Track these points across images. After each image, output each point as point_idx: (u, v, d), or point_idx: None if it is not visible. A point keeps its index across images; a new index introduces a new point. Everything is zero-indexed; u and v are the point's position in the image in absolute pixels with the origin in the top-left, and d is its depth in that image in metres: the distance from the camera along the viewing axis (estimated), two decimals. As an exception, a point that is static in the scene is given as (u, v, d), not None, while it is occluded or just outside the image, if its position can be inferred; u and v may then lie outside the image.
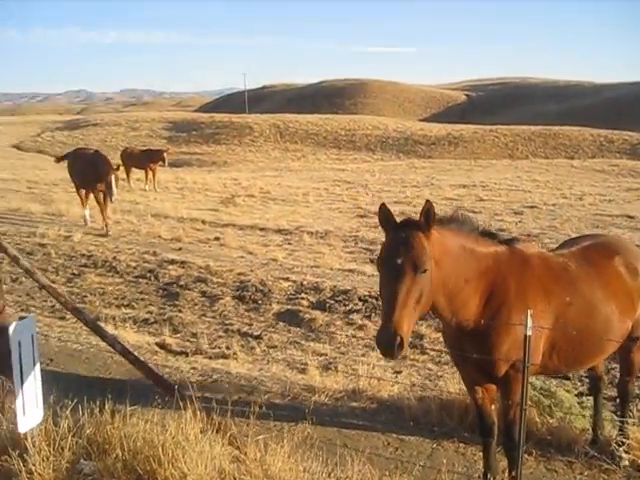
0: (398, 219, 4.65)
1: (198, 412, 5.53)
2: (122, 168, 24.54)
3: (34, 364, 5.27)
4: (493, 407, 5.50)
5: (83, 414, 5.66)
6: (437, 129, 71.77)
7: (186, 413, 5.44)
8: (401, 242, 4.43)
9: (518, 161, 51.21)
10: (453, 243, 4.77)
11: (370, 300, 11.35)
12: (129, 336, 9.32)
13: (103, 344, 8.84)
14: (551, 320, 5.14)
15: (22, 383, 5.12)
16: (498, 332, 4.91)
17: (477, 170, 41.92)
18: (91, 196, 18.83)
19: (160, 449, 5.08)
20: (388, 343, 4.21)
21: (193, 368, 8.36)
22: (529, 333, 4.38)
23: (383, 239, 14.16)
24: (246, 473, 4.98)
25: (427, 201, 4.52)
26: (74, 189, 19.85)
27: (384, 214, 4.65)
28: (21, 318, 5.32)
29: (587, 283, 5.41)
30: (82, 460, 5.32)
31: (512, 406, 5.05)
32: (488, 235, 5.12)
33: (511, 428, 5.13)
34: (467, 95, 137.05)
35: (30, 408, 5.21)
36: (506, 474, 5.52)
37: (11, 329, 5.05)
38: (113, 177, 17.67)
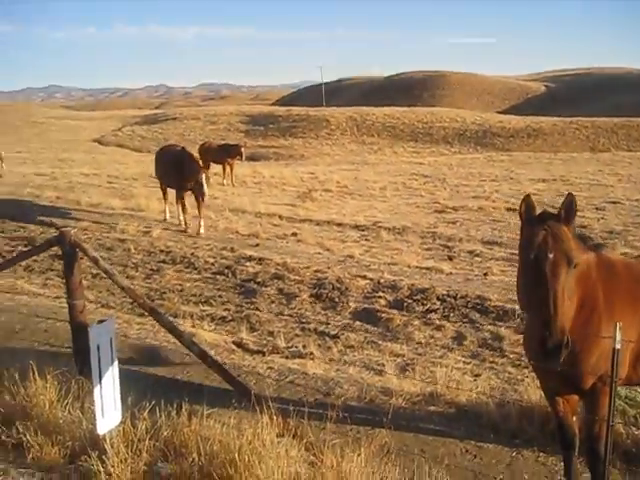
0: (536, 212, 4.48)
1: (275, 417, 5.49)
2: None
3: (112, 366, 5.31)
4: (574, 419, 5.30)
5: (160, 416, 5.69)
6: (516, 121, 70.59)
7: (262, 418, 5.40)
8: (548, 235, 4.25)
9: (600, 154, 49.92)
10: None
11: (448, 299, 11.16)
12: (206, 334, 9.37)
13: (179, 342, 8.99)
14: (638, 330, 4.92)
15: (101, 385, 5.16)
16: (587, 344, 4.70)
17: (557, 163, 40.99)
18: (171, 192, 18.64)
19: (236, 454, 5.04)
20: (555, 347, 4.03)
21: (270, 368, 8.33)
22: (618, 347, 4.18)
23: (464, 234, 13.79)
24: (322, 481, 4.91)
25: (569, 194, 4.37)
26: (158, 185, 20.02)
27: (528, 206, 4.47)
28: (100, 321, 5.36)
29: None
30: (159, 463, 5.34)
31: (597, 420, 4.82)
32: (581, 239, 4.90)
33: (595, 442, 4.88)
34: (546, 86, 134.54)
35: (108, 410, 5.25)
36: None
37: (90, 332, 5.09)
38: (204, 176, 17.32)
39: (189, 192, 17.79)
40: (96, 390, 5.13)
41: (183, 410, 5.70)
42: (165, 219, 18.92)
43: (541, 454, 6.30)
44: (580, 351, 4.68)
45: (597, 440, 4.86)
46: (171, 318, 9.69)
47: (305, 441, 5.55)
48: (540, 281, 4.16)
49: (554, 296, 4.06)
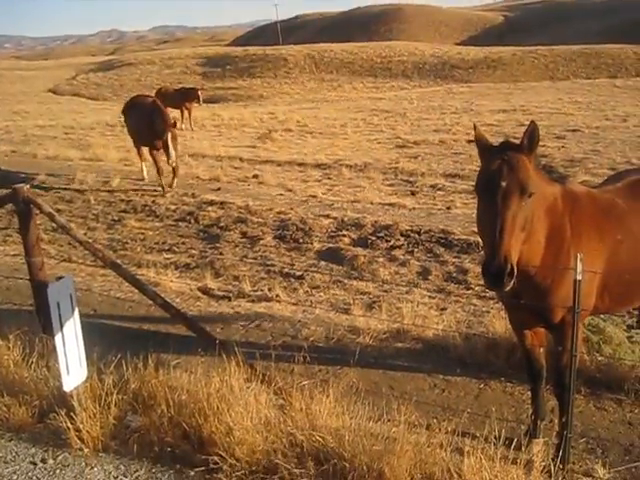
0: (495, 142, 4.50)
1: (242, 363, 5.48)
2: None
3: (74, 323, 5.24)
4: (542, 350, 5.35)
5: (127, 369, 5.65)
6: (474, 52, 70.18)
7: (230, 365, 5.38)
8: (505, 164, 4.21)
9: (559, 82, 49.92)
10: (538, 175, 4.52)
11: (412, 235, 11.17)
12: (171, 283, 9.32)
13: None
14: (604, 260, 4.94)
15: (64, 343, 5.10)
16: (557, 277, 4.70)
17: (517, 93, 40.97)
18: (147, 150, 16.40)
19: (205, 403, 5.04)
20: (498, 272, 3.97)
21: (236, 313, 8.34)
22: (579, 278, 4.19)
23: (426, 168, 13.81)
24: (292, 424, 4.92)
25: (532, 122, 4.32)
26: (114, 133, 19.42)
27: (480, 136, 4.49)
28: (58, 278, 5.28)
29: (636, 219, 5.17)
30: (128, 416, 5.33)
31: (565, 352, 4.86)
32: (546, 171, 4.87)
33: (563, 373, 4.91)
34: (504, 16, 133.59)
35: (74, 367, 5.20)
36: (554, 414, 5.43)
37: (49, 290, 5.01)
38: (170, 135, 14.83)
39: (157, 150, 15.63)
40: (59, 348, 5.07)
41: (150, 362, 5.66)
42: (144, 178, 16.90)
43: (508, 385, 6.41)
44: (550, 284, 4.71)
45: (565, 371, 4.90)
46: (134, 268, 9.67)
47: (274, 385, 5.55)
48: (491, 209, 4.14)
49: (502, 223, 4.03)
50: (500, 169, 4.21)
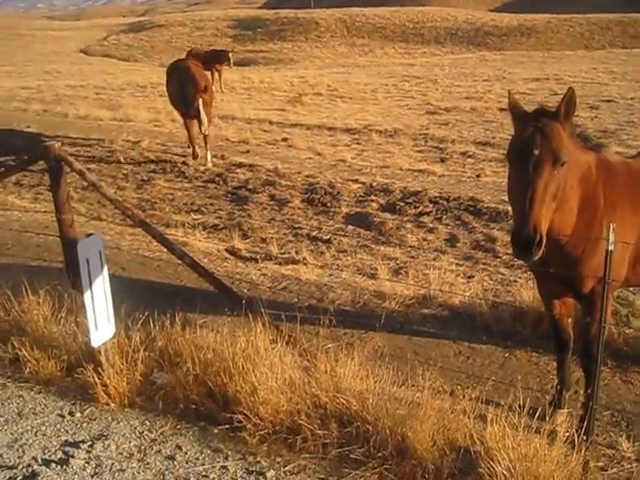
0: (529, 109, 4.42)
1: (268, 324, 5.50)
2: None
3: (103, 280, 5.28)
4: (570, 321, 5.31)
5: (154, 326, 5.70)
6: (509, 19, 69.24)
7: (256, 325, 5.41)
8: (538, 132, 4.14)
9: (594, 52, 49.09)
10: (573, 143, 4.46)
11: (441, 202, 11.11)
12: (199, 243, 9.35)
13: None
14: (637, 231, 4.86)
15: (92, 299, 5.14)
16: (588, 246, 4.63)
17: (551, 62, 40.37)
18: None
19: (230, 362, 5.08)
20: (527, 240, 3.93)
21: (263, 275, 8.36)
22: (611, 248, 4.13)
23: (457, 135, 13.70)
24: (317, 386, 4.95)
25: (570, 89, 4.26)
26: (145, 94, 19.27)
27: (514, 103, 4.42)
28: (88, 235, 5.31)
29: None
30: (155, 372, 5.38)
31: (594, 323, 4.79)
32: (582, 139, 4.79)
33: (591, 344, 4.84)
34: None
35: (102, 323, 5.25)
36: (579, 385, 5.40)
37: (79, 247, 5.05)
38: (201, 102, 13.68)
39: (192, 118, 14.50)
40: (88, 304, 5.11)
41: (177, 320, 5.71)
42: (195, 157, 14.78)
43: (533, 354, 6.37)
44: (581, 254, 4.65)
45: (592, 342, 4.83)
46: (163, 228, 9.70)
47: (299, 347, 5.57)
48: (522, 177, 4.08)
49: (533, 192, 3.97)
50: (533, 137, 4.14)
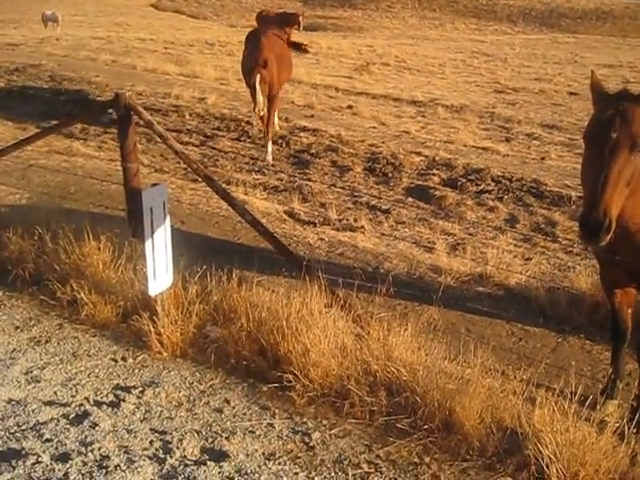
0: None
1: (324, 287, 5.50)
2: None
3: (165, 230, 5.33)
4: (629, 311, 5.20)
5: (211, 281, 5.75)
6: (585, 2, 67.74)
7: (312, 288, 5.41)
8: (618, 115, 4.01)
9: (674, 40, 47.80)
10: None
11: (503, 181, 10.93)
12: (259, 202, 9.38)
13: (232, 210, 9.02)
14: None
15: (153, 248, 5.20)
16: None
17: (625, 49, 39.42)
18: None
19: (284, 322, 5.10)
20: (595, 225, 3.84)
21: (320, 239, 8.37)
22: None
23: (523, 116, 13.45)
24: (368, 353, 4.95)
25: None
26: (213, 52, 18.95)
27: (596, 83, 4.32)
28: (154, 184, 5.36)
29: None
30: (208, 326, 5.44)
31: None
32: None
33: None
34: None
35: (160, 273, 5.31)
36: (632, 377, 5.32)
37: (143, 195, 5.09)
38: (258, 78, 11.66)
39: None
40: (148, 252, 5.17)
41: (233, 276, 5.74)
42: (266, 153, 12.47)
43: (587, 342, 6.28)
44: None
45: None
46: (224, 185, 9.74)
47: (353, 313, 5.57)
48: (597, 160, 3.97)
49: (606, 176, 3.85)
50: (612, 119, 4.01)
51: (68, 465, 3.92)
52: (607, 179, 3.86)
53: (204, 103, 16.05)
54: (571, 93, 20.99)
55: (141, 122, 6.68)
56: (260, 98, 11.67)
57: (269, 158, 12.10)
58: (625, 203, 4.10)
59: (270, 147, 12.29)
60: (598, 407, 4.82)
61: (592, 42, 44.34)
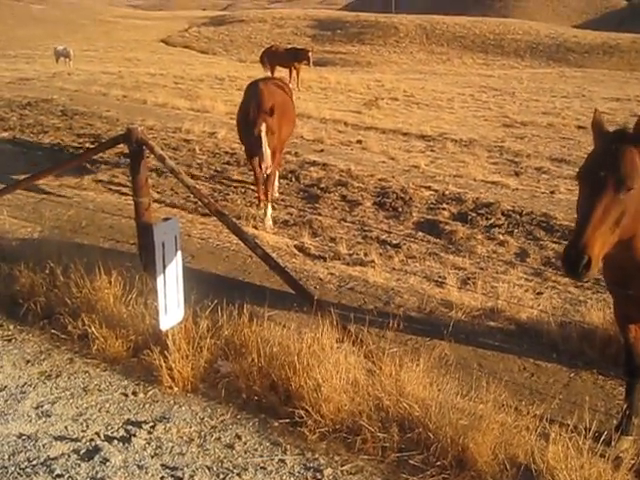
0: (611, 129, 4.32)
1: (336, 323, 5.49)
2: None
3: (177, 264, 5.34)
4: None
5: (222, 315, 5.74)
6: (592, 37, 68.13)
7: (323, 323, 5.40)
8: (609, 154, 4.06)
9: (679, 75, 47.95)
10: None
11: (513, 215, 10.96)
12: (269, 237, 9.40)
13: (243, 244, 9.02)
14: None
15: (165, 282, 5.20)
16: None
17: (633, 83, 39.60)
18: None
19: (296, 357, 5.08)
20: (573, 261, 3.88)
21: (330, 274, 8.35)
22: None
23: (532, 150, 13.53)
24: (380, 389, 4.91)
25: None
26: (223, 86, 19.20)
27: (598, 121, 4.33)
28: (165, 219, 5.38)
29: None
30: (219, 361, 5.42)
31: None
32: None
33: None
34: (628, 0, 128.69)
35: (171, 307, 5.30)
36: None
37: (155, 229, 5.10)
38: (264, 127, 9.74)
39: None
40: (159, 287, 5.17)
41: (244, 311, 5.73)
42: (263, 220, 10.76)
43: (600, 377, 6.21)
44: None
45: None
46: (234, 219, 9.77)
47: (365, 348, 5.54)
48: (585, 197, 4.04)
49: (590, 213, 3.89)
50: (603, 158, 4.07)
51: None
52: (590, 217, 3.90)
53: (214, 138, 16.17)
54: (579, 127, 21.08)
55: (150, 156, 6.72)
56: (267, 151, 9.71)
57: (269, 224, 10.47)
58: (636, 240, 4.17)
59: (270, 211, 10.65)
60: (613, 443, 4.75)
61: (599, 76, 44.58)
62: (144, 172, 6.62)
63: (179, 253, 5.36)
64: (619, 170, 3.98)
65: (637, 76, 45.28)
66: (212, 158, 14.40)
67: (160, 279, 5.17)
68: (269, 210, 10.64)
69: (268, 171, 10.06)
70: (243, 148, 11.68)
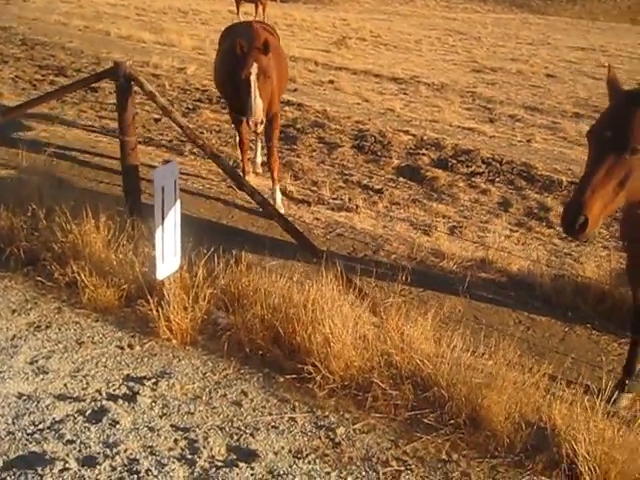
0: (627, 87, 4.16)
1: (340, 275, 5.29)
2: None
3: (175, 210, 5.06)
4: None
5: (218, 264, 5.50)
6: (556, -18, 67.66)
7: (327, 275, 5.19)
8: (619, 114, 3.92)
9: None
10: None
11: (493, 164, 10.78)
12: (252, 180, 9.06)
13: (223, 184, 8.75)
14: None
15: (163, 229, 4.92)
16: None
17: (595, 32, 39.50)
18: None
19: (301, 309, 4.88)
20: (570, 220, 3.80)
21: (316, 219, 8.14)
22: None
23: (504, 97, 13.27)
24: (390, 344, 4.75)
25: None
26: (188, 20, 18.81)
27: (612, 78, 4.18)
28: (165, 162, 5.09)
29: None
30: (218, 312, 5.20)
31: None
32: None
33: None
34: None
35: (169, 255, 5.04)
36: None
37: (155, 174, 4.80)
38: (254, 70, 7.29)
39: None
40: (158, 234, 4.88)
41: (242, 260, 5.51)
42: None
43: (594, 332, 6.16)
44: None
45: None
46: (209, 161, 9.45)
47: (370, 302, 5.36)
48: (590, 157, 3.96)
49: (591, 174, 3.82)
50: (612, 118, 3.97)
51: (97, 471, 3.66)
52: (591, 177, 3.82)
53: (184, 73, 15.67)
54: (548, 75, 20.92)
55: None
56: (258, 101, 7.30)
57: (279, 203, 8.30)
58: None
59: (279, 197, 8.41)
60: (612, 400, 4.72)
61: (563, 24, 44.37)
62: (131, 109, 6.31)
63: (178, 198, 5.08)
64: (625, 131, 3.84)
65: (599, 26, 45.18)
66: (183, 94, 13.92)
67: (159, 226, 4.88)
68: (278, 196, 8.37)
69: (259, 129, 7.46)
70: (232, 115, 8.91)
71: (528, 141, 12.77)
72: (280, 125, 9.21)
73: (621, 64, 23.96)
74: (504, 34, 34.26)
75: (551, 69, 21.97)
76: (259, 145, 9.77)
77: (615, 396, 4.90)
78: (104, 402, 4.23)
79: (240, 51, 7.37)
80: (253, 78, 7.29)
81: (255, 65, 7.31)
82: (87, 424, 4.03)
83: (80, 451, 3.82)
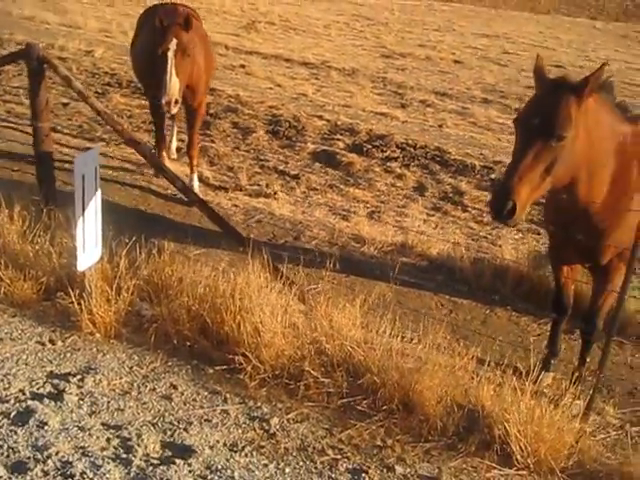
0: (553, 76, 4.26)
1: (267, 263, 5.21)
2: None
3: (96, 199, 4.88)
4: (572, 287, 5.25)
5: (140, 253, 5.34)
6: (459, -30, 68.71)
7: (253, 263, 5.10)
8: (544, 101, 4.01)
9: (540, 16, 49.14)
10: (604, 115, 4.27)
11: (408, 148, 10.84)
12: (168, 165, 8.90)
13: (138, 171, 8.55)
14: None
15: (84, 219, 4.74)
16: (615, 219, 4.49)
17: (498, 20, 40.22)
18: None
19: (229, 299, 4.79)
20: (498, 206, 3.85)
21: (235, 205, 8.03)
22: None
23: (414, 82, 13.43)
24: (320, 332, 4.71)
25: (604, 64, 4.05)
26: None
27: (539, 67, 4.27)
28: (86, 149, 4.90)
29: None
30: (142, 303, 5.05)
31: (603, 292, 4.80)
32: (621, 109, 4.59)
33: (596, 314, 4.88)
34: None
35: (89, 246, 4.86)
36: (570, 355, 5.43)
37: (75, 162, 4.61)
38: (173, 46, 6.87)
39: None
40: (79, 224, 4.70)
41: (165, 248, 5.37)
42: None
43: (514, 314, 6.32)
44: (608, 225, 4.51)
45: (598, 311, 4.88)
46: (123, 146, 9.22)
47: (297, 289, 5.31)
48: (518, 143, 4.01)
49: (519, 160, 3.89)
50: (538, 105, 4.06)
51: (29, 477, 3.47)
52: (519, 164, 3.88)
53: (91, 56, 15.16)
54: (456, 61, 21.16)
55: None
56: (173, 78, 6.83)
57: (196, 187, 8.14)
58: (581, 186, 4.20)
59: (197, 184, 8.28)
60: (540, 380, 4.83)
61: (467, 12, 45.05)
62: (44, 94, 6.05)
63: (99, 186, 4.90)
64: (551, 118, 3.92)
65: (500, 14, 46.04)
66: (91, 78, 13.50)
67: (79, 215, 4.70)
68: (196, 183, 8.25)
69: (173, 110, 7.04)
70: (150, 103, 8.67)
71: (440, 126, 12.89)
72: (204, 115, 9.09)
73: (524, 51, 24.52)
74: (411, 20, 34.52)
75: (458, 55, 22.23)
76: (174, 130, 9.60)
77: (541, 376, 5.01)
78: (29, 402, 4.03)
79: (159, 25, 6.90)
80: (170, 55, 6.83)
81: (174, 41, 6.87)
82: (13, 427, 3.83)
83: (8, 457, 3.62)
